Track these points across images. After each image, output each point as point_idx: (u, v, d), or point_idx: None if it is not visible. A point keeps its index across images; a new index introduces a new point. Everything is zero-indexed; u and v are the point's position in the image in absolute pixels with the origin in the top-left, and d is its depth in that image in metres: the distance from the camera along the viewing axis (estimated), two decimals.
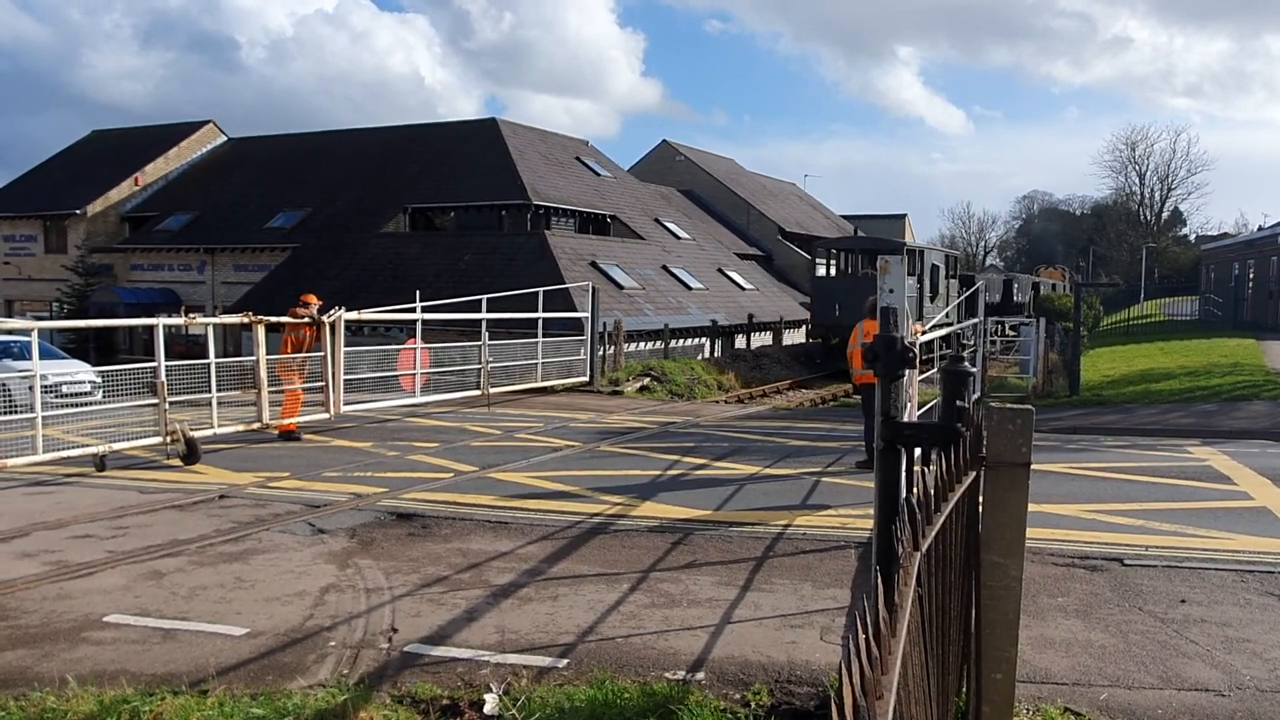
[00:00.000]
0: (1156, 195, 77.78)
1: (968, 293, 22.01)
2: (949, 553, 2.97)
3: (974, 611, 3.73)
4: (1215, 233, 73.42)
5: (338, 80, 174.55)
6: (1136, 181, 77.91)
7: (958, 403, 4.44)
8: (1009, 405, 3.68)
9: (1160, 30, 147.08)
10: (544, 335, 19.38)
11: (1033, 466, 3.66)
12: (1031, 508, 3.79)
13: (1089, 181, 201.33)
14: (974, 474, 3.53)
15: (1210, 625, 5.60)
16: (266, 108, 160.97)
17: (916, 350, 4.38)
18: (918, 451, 4.64)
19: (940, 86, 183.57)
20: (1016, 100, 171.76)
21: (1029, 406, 3.71)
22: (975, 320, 17.52)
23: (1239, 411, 15.08)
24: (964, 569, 3.43)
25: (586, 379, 20.43)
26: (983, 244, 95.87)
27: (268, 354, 12.69)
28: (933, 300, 27.49)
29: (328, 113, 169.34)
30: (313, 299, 13.86)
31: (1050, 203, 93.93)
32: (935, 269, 28.54)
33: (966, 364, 5.18)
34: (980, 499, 3.68)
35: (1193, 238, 77.62)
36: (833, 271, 31.56)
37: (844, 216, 62.12)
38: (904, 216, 72.27)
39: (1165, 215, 78.73)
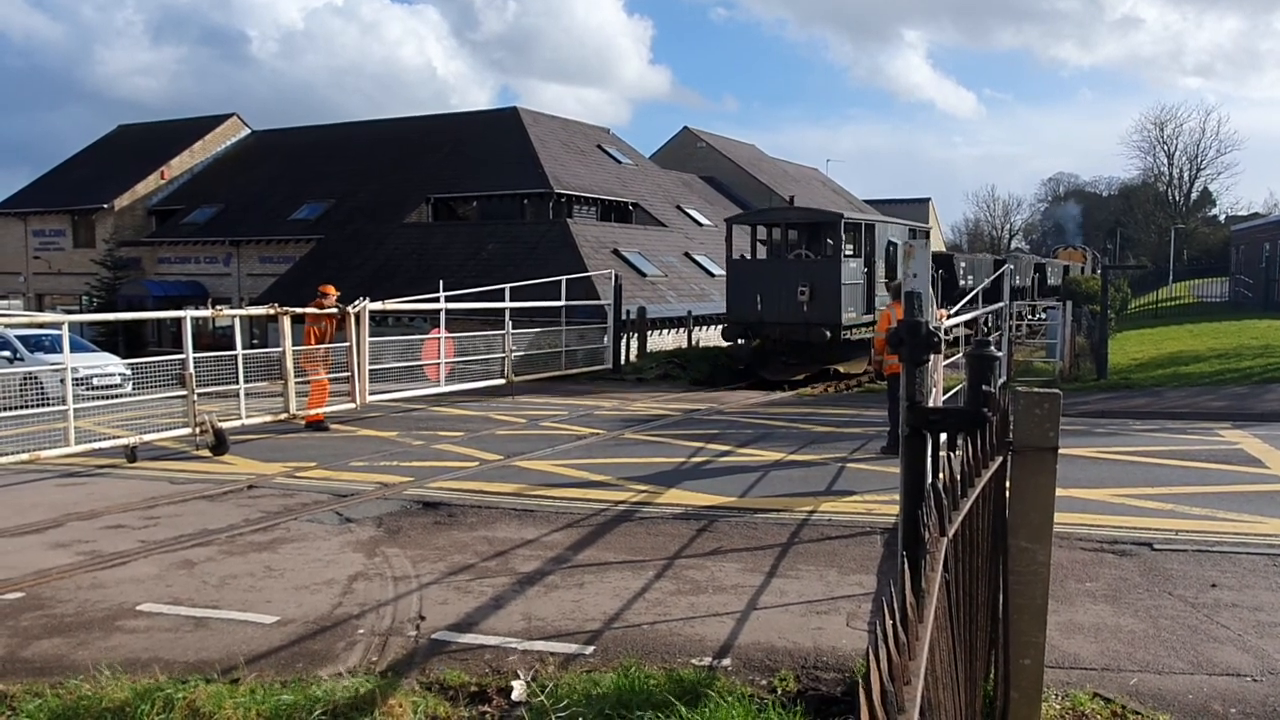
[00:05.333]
0: (1185, 175, 76.29)
1: (975, 288, 19.68)
2: (976, 538, 2.96)
3: (1002, 597, 3.71)
4: (1245, 213, 72.10)
5: (350, 73, 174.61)
6: (1165, 162, 76.52)
7: (984, 387, 4.41)
8: (1036, 389, 3.65)
9: (1170, 9, 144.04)
10: (567, 324, 19.42)
11: (1060, 451, 3.63)
12: (1059, 492, 3.76)
13: (1116, 163, 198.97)
14: (1001, 459, 3.50)
15: (1241, 610, 5.54)
16: (280, 101, 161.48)
17: (941, 335, 4.35)
18: (943, 436, 4.62)
19: (949, 70, 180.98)
20: (1026, 83, 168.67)
21: (1056, 390, 3.68)
22: (1000, 305, 17.36)
23: (1270, 394, 14.86)
24: (991, 554, 3.41)
25: (610, 367, 20.47)
26: (1008, 227, 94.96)
27: (293, 345, 12.81)
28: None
29: (341, 105, 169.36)
30: (330, 290, 14.00)
31: (1076, 185, 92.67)
32: (892, 247, 22.44)
33: (992, 348, 5.13)
34: (1007, 484, 3.66)
35: (1222, 218, 76.24)
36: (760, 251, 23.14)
37: (867, 201, 61.63)
38: (928, 200, 71.65)
39: (1194, 196, 77.39)
